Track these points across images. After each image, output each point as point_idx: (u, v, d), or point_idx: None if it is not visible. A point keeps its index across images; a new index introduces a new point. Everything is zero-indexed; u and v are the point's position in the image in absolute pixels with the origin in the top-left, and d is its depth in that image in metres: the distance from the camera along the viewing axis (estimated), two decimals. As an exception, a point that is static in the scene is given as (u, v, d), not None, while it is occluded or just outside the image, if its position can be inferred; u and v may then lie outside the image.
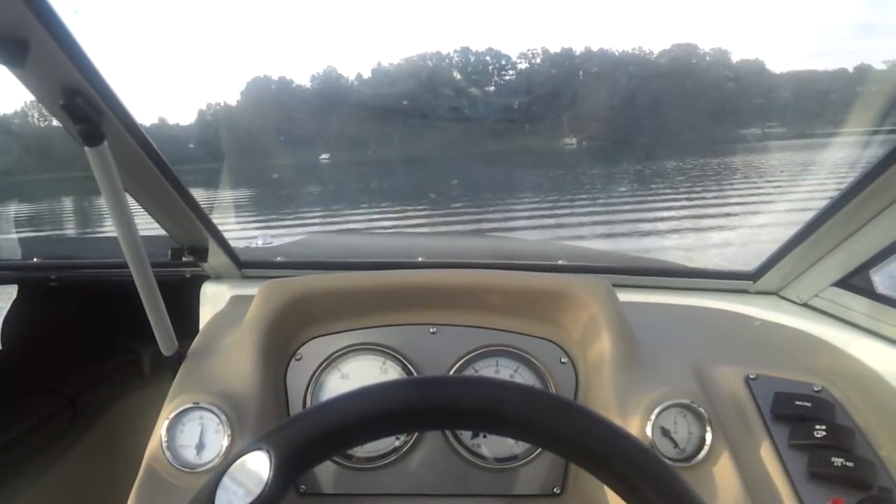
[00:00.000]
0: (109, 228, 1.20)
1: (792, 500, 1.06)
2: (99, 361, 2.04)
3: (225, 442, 1.11)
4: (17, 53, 0.86)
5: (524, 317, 1.31)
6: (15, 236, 1.95)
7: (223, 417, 1.12)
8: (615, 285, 1.32)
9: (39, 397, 1.85)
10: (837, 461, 1.08)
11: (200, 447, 1.11)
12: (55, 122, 1.09)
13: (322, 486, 1.22)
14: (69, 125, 1.01)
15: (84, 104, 0.98)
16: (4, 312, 1.56)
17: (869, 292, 1.37)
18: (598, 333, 1.24)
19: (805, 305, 1.50)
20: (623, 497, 0.67)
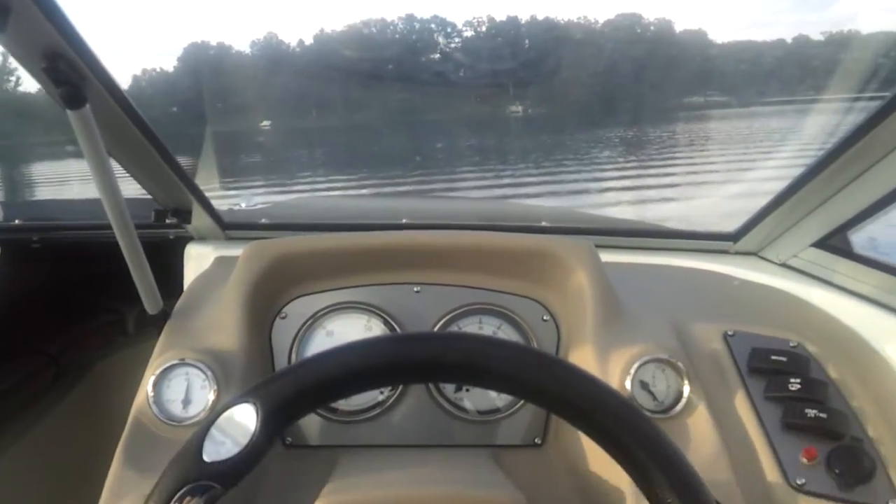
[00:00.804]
0: (92, 191, 1.20)
1: (766, 450, 1.10)
2: (82, 321, 2.04)
3: (211, 397, 1.12)
4: None
5: (507, 276, 1.32)
6: (-2, 200, 1.95)
7: (209, 373, 1.13)
8: (598, 246, 1.34)
9: (23, 357, 1.85)
10: (811, 412, 1.11)
11: (187, 402, 1.13)
12: (36, 87, 1.09)
13: (308, 439, 1.24)
14: (51, 89, 1.01)
15: (66, 68, 0.98)
16: None
17: (846, 252, 1.40)
18: (580, 292, 1.25)
19: (784, 265, 1.53)
20: (604, 447, 0.69)
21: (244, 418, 0.67)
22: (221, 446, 0.65)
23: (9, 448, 1.75)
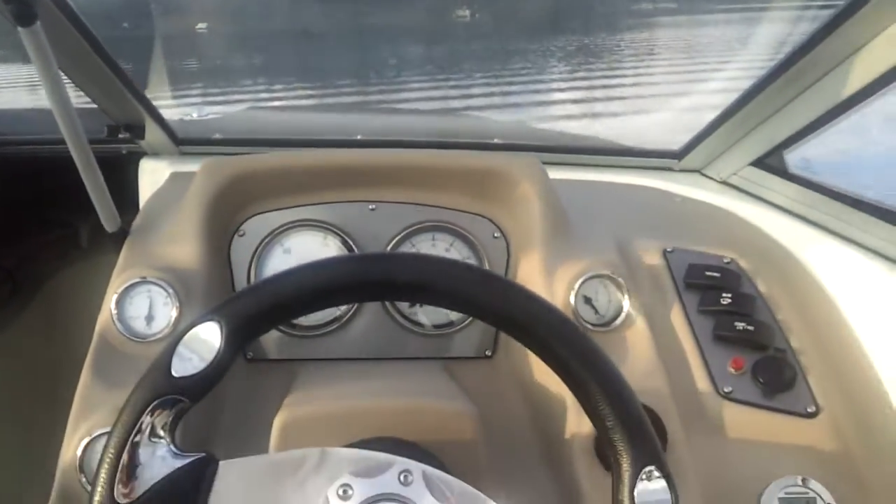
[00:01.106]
0: (41, 100, 1.19)
1: (698, 360, 1.19)
2: (36, 235, 2.04)
3: (174, 313, 1.16)
4: None
5: (459, 194, 1.36)
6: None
7: (171, 290, 1.16)
8: (547, 163, 1.37)
9: None
10: (739, 325, 1.20)
11: (150, 318, 1.16)
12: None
13: (268, 353, 1.29)
14: (1, 6, 0.99)
15: None
16: None
17: (782, 171, 1.46)
18: (528, 210, 1.30)
19: (724, 183, 1.58)
20: (543, 359, 0.74)
21: (209, 335, 0.70)
22: (188, 362, 0.69)
23: None
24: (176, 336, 0.71)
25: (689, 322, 1.23)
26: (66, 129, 1.14)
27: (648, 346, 1.17)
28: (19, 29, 1.00)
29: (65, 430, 1.06)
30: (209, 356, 0.70)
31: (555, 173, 1.38)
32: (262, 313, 0.73)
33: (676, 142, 1.67)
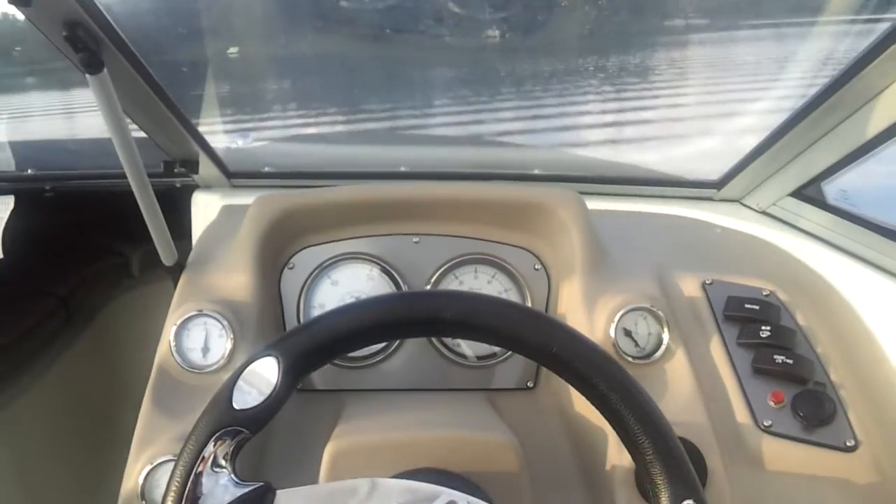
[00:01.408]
0: (100, 130, 1.26)
1: (737, 393, 1.20)
2: (89, 264, 2.11)
3: (228, 345, 1.21)
4: None
5: (501, 226, 1.39)
6: (9, 148, 1.99)
7: (225, 323, 1.22)
8: (585, 193, 1.40)
9: (35, 300, 1.93)
10: (779, 358, 1.21)
11: (206, 350, 1.22)
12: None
13: (316, 384, 1.34)
14: (72, 55, 1.06)
15: (84, 35, 1.03)
16: (4, 222, 1.63)
17: (820, 203, 1.47)
18: (568, 242, 1.33)
19: (764, 213, 1.59)
20: (581, 392, 0.77)
21: (267, 370, 0.75)
22: (248, 395, 0.74)
23: (28, 389, 1.84)
24: (237, 370, 0.76)
25: (728, 354, 1.25)
26: (129, 167, 1.21)
27: (688, 378, 1.19)
28: (87, 76, 1.07)
29: (120, 458, 1.11)
30: (267, 390, 0.75)
31: (593, 203, 1.41)
32: (316, 350, 0.78)
33: (715, 170, 1.69)
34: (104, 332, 2.13)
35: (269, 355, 0.77)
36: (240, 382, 0.75)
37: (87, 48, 1.04)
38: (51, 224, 1.91)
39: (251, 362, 0.76)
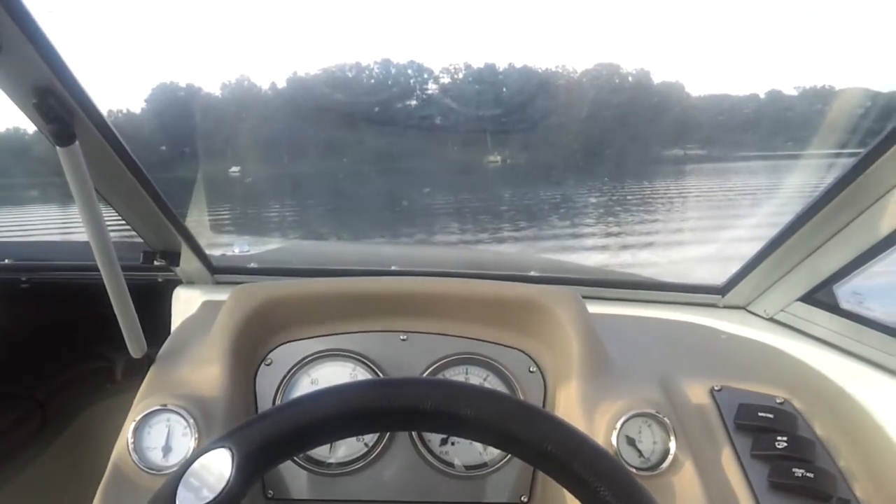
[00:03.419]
0: (82, 231, 1.20)
1: None
2: (70, 366, 2.03)
3: (192, 444, 1.11)
4: None
5: (494, 325, 1.32)
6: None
7: (190, 420, 1.12)
8: (586, 297, 1.34)
9: (9, 401, 1.83)
10: (798, 472, 1.10)
11: (167, 449, 1.11)
12: (26, 127, 1.10)
13: (290, 492, 1.22)
14: (41, 125, 1.01)
15: (56, 104, 0.99)
16: None
17: (832, 307, 1.41)
18: (566, 343, 1.25)
19: (771, 320, 1.53)
20: (582, 500, 0.68)
21: (219, 464, 0.66)
22: (196, 493, 0.65)
23: None
24: (184, 464, 0.66)
25: (741, 467, 1.14)
26: (99, 254, 1.14)
27: (698, 493, 1.08)
28: (58, 149, 1.01)
29: None
30: (218, 486, 0.65)
31: (593, 307, 1.34)
32: (276, 440, 0.69)
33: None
34: (81, 437, 2.03)
35: (221, 447, 0.67)
36: (187, 477, 0.66)
37: (58, 118, 0.99)
38: (29, 320, 1.84)
39: (201, 454, 0.67)
